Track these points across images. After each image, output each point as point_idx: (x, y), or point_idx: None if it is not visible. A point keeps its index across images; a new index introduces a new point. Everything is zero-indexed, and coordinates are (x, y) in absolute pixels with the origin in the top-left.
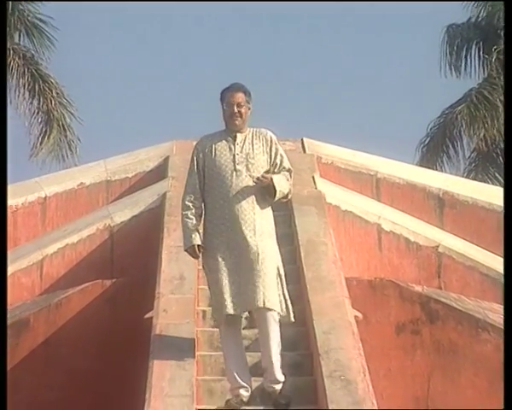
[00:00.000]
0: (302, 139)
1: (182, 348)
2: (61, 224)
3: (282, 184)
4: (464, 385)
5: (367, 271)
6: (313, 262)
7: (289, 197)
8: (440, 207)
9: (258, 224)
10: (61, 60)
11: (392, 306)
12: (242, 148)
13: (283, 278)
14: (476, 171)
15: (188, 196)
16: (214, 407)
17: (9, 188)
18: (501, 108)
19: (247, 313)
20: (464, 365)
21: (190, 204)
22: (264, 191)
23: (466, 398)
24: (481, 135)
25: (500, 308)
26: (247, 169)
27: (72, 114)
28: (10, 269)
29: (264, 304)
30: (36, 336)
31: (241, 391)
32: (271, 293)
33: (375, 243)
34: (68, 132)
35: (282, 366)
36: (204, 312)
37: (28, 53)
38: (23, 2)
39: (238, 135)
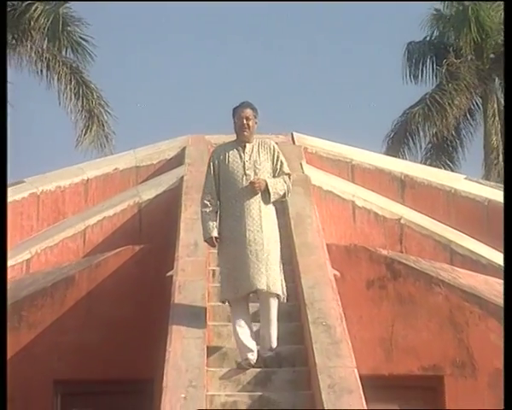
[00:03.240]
0: (292, 133)
1: (196, 300)
2: (100, 201)
3: (277, 186)
4: (421, 328)
5: (343, 238)
6: (301, 231)
7: (288, 196)
8: (402, 188)
9: (263, 219)
10: (99, 69)
11: (363, 266)
12: (250, 156)
13: (281, 264)
14: (431, 159)
15: (206, 195)
16: (222, 347)
17: (58, 172)
18: (449, 110)
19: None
20: (421, 312)
21: (208, 202)
22: (265, 192)
23: (422, 339)
24: (433, 131)
25: (449, 267)
26: (255, 173)
27: (108, 112)
28: (59, 237)
29: (268, 288)
30: (80, 290)
31: (249, 355)
32: (275, 279)
33: (350, 216)
34: (105, 127)
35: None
36: (214, 271)
37: (74, 64)
38: (71, 24)
39: (247, 145)
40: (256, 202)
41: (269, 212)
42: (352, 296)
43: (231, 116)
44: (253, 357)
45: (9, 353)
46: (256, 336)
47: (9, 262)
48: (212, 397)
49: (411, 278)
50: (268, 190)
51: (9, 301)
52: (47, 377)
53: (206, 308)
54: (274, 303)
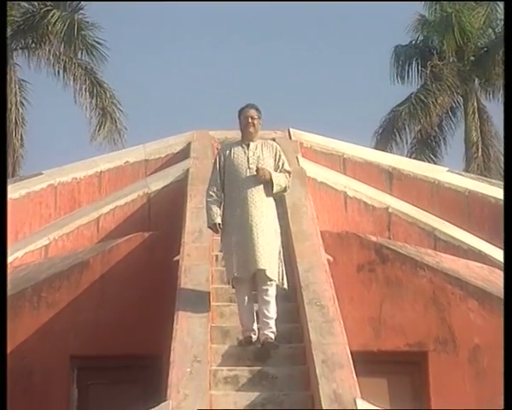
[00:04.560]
0: (289, 129)
1: (200, 283)
2: (112, 191)
3: (280, 180)
4: (406, 308)
5: (336, 226)
6: (297, 219)
7: (288, 191)
8: (390, 179)
9: (264, 209)
10: (112, 70)
11: (354, 251)
12: (254, 152)
13: (281, 253)
14: (416, 153)
15: (211, 187)
16: (224, 325)
17: (74, 165)
18: (432, 108)
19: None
20: (406, 294)
21: (213, 194)
22: (267, 185)
23: (407, 317)
24: (418, 127)
25: (433, 252)
26: None
27: (120, 110)
28: (75, 224)
29: (266, 273)
30: (94, 273)
31: (250, 334)
32: (273, 265)
33: (342, 206)
34: (118, 124)
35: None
36: (216, 256)
37: (88, 66)
38: (85, 29)
39: (251, 143)
40: (258, 193)
41: (270, 203)
42: (343, 279)
43: (237, 117)
44: (253, 336)
45: (30, 330)
46: (256, 316)
47: (29, 247)
48: (216, 371)
49: (398, 262)
50: (272, 180)
51: (30, 283)
52: (64, 352)
53: (209, 290)
54: (272, 287)
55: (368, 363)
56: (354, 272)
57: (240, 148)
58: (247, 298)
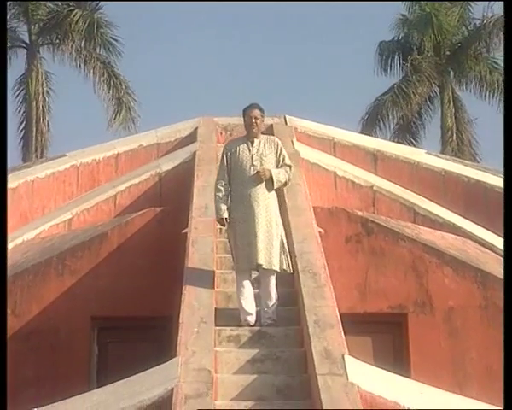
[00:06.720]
0: (284, 116)
1: (206, 252)
2: (128, 171)
3: (280, 175)
4: (389, 275)
5: (326, 202)
6: (292, 196)
7: (289, 184)
8: (375, 161)
9: (267, 203)
10: (127, 64)
11: (343, 225)
12: (258, 149)
13: (285, 242)
14: (398, 137)
15: (219, 181)
16: (228, 290)
17: (94, 148)
18: (412, 97)
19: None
20: (389, 263)
21: (221, 188)
22: (269, 182)
23: (390, 283)
24: (400, 114)
25: (412, 225)
26: (261, 164)
27: (134, 99)
28: (95, 200)
29: (268, 265)
30: (112, 244)
31: (248, 318)
32: (274, 257)
33: (332, 184)
34: (132, 112)
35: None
36: (220, 229)
37: (106, 60)
38: (103, 27)
39: (255, 140)
40: (261, 189)
41: (272, 198)
42: (333, 249)
43: (241, 115)
44: (251, 319)
45: (55, 294)
46: (256, 299)
47: (54, 221)
48: (220, 331)
49: (382, 234)
50: (272, 178)
51: (55, 252)
52: (85, 314)
53: (214, 259)
54: (273, 278)
55: (354, 323)
56: (343, 243)
57: (244, 145)
58: (247, 285)
